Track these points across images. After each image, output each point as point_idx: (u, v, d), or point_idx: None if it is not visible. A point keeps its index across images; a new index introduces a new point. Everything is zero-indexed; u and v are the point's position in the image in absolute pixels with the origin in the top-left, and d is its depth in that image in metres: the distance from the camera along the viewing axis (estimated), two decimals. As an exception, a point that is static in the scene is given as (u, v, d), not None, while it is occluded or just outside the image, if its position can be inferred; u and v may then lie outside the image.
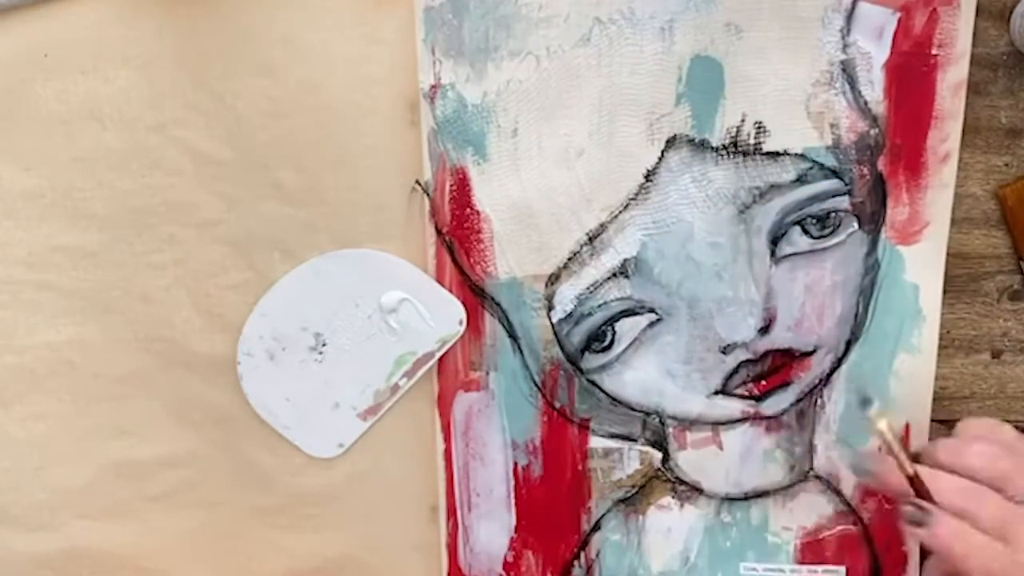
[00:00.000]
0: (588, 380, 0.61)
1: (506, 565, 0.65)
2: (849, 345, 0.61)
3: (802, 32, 0.56)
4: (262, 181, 0.58)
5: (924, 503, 0.53)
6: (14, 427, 0.62)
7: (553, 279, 0.60)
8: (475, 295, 0.60)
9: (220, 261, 0.60)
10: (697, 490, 0.64)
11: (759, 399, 0.61)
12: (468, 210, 0.59)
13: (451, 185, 0.59)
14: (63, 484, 0.63)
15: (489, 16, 0.56)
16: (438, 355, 0.61)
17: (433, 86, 0.57)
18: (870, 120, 0.57)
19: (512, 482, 0.63)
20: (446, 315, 0.60)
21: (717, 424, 0.62)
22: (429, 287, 0.60)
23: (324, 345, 0.61)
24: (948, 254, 0.59)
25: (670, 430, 0.62)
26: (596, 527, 0.64)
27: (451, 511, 0.64)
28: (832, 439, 0.62)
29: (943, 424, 0.62)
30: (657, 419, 0.62)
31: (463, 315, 0.60)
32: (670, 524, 0.64)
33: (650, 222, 0.59)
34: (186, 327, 0.61)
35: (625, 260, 0.59)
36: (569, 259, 0.60)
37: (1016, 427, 0.62)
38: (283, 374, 0.61)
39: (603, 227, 0.59)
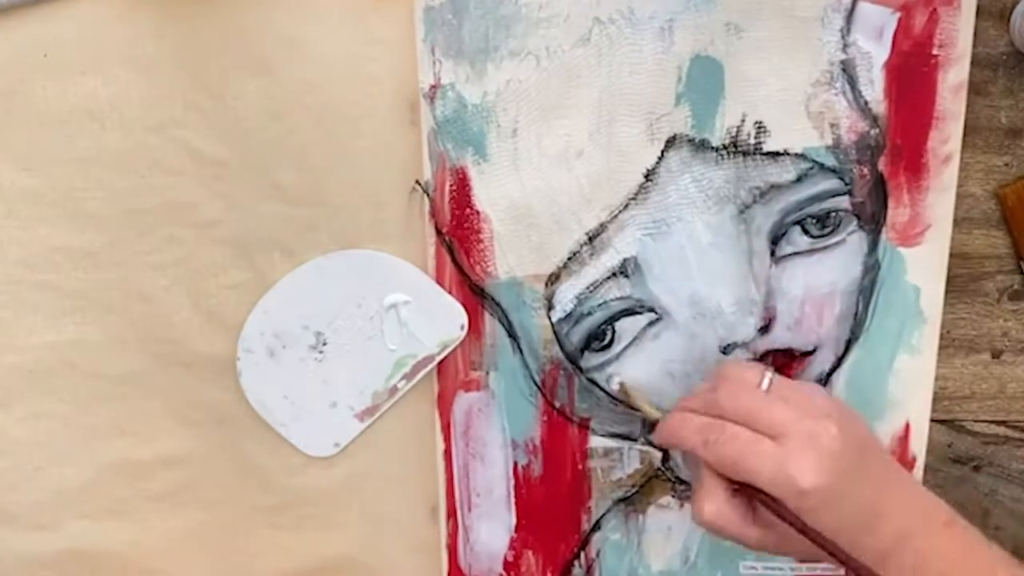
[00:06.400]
0: (588, 379, 0.61)
1: (506, 565, 0.65)
2: (849, 345, 0.61)
3: (802, 32, 0.56)
4: (262, 181, 0.58)
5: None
6: (14, 427, 0.62)
7: (553, 279, 0.60)
8: (475, 295, 0.60)
9: (220, 261, 0.60)
10: (697, 490, 0.64)
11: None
12: (468, 210, 0.59)
13: (451, 185, 0.58)
14: (63, 484, 0.63)
15: (489, 16, 0.56)
16: (438, 359, 0.61)
17: (433, 86, 0.57)
18: (870, 120, 0.57)
19: (512, 482, 0.63)
20: (448, 319, 0.60)
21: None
22: (432, 290, 0.60)
23: (325, 344, 0.61)
24: (948, 254, 0.59)
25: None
26: (596, 527, 0.64)
27: (451, 511, 0.64)
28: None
29: (943, 424, 0.62)
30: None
31: (465, 320, 0.60)
32: (670, 523, 0.64)
33: (650, 222, 0.59)
34: (186, 327, 0.61)
35: (625, 260, 0.59)
36: (569, 259, 0.59)
37: (1016, 427, 0.62)
38: (282, 371, 0.61)
39: (603, 227, 0.59)
